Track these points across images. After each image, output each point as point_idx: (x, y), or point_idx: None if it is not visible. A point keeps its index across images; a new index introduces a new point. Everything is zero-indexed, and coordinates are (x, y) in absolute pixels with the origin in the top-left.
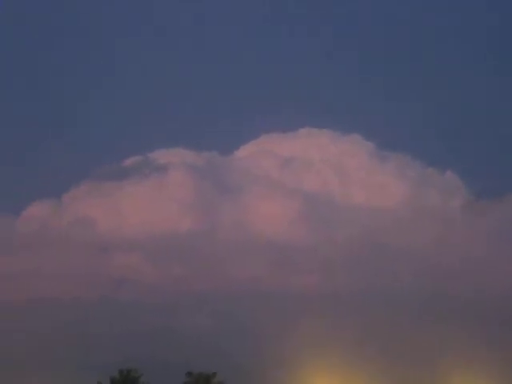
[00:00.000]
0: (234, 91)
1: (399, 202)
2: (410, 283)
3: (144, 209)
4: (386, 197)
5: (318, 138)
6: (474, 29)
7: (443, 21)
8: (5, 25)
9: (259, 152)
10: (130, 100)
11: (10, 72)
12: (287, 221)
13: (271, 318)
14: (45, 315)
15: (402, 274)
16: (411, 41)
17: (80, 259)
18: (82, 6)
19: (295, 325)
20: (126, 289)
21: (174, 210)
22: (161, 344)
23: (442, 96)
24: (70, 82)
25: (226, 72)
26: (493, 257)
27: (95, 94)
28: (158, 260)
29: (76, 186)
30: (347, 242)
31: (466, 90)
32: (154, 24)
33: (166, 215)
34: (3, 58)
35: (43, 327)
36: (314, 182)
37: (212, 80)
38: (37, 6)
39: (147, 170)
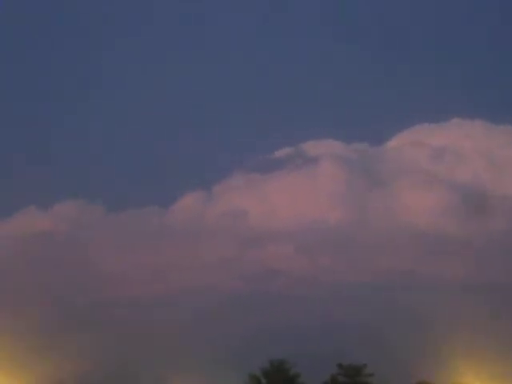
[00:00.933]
0: (385, 82)
1: None
2: None
3: (295, 200)
4: None
5: (470, 128)
6: None
7: None
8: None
9: (410, 143)
10: (280, 91)
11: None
12: (439, 212)
13: (425, 310)
14: (197, 306)
15: None
16: None
17: (231, 251)
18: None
19: (448, 316)
20: (278, 281)
21: (324, 201)
22: (312, 335)
23: None
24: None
25: (370, 64)
26: None
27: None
28: (310, 251)
29: (227, 178)
30: (500, 233)
31: None
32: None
33: (316, 206)
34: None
35: (195, 318)
36: (466, 173)
37: (361, 70)
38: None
39: (298, 161)
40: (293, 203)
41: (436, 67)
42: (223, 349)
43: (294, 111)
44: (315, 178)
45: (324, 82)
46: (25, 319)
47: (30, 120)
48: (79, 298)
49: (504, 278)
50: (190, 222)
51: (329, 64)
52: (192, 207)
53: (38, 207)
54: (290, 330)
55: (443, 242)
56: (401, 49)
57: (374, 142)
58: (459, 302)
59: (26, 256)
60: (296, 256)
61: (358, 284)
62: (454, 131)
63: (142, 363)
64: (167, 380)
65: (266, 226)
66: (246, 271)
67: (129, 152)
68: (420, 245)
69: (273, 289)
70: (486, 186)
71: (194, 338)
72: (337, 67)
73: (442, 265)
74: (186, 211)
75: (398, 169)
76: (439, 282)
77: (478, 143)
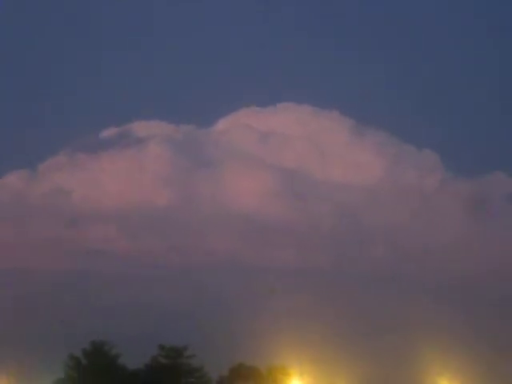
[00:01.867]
0: (213, 63)
1: (377, 179)
2: (386, 261)
3: (121, 181)
4: (363, 174)
5: (297, 113)
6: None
7: None
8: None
9: (237, 126)
10: (107, 71)
11: None
12: (265, 196)
13: (247, 292)
14: (17, 286)
15: (378, 252)
16: (388, 12)
17: (55, 230)
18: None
19: (270, 299)
20: (101, 260)
21: (151, 182)
22: (134, 316)
23: (421, 72)
24: (50, 57)
25: (204, 45)
26: (467, 235)
27: (72, 65)
28: (134, 232)
29: (53, 157)
30: (324, 218)
31: (447, 67)
32: None
33: (142, 188)
34: None
35: (15, 298)
36: (292, 158)
37: (190, 52)
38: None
39: (125, 142)
40: (119, 184)
41: (265, 53)
42: (42, 328)
43: (122, 90)
44: (142, 159)
45: (152, 63)
46: None
47: None
48: None
49: (325, 264)
50: (13, 200)
51: (157, 46)
52: (16, 186)
53: None
54: (112, 310)
55: (267, 225)
56: (233, 36)
57: (201, 124)
58: (281, 286)
59: None
60: (120, 236)
61: (181, 266)
62: (281, 115)
63: None
64: None
65: (91, 206)
66: (68, 251)
67: None
68: (245, 228)
69: (95, 269)
70: (312, 170)
71: (15, 320)
72: (166, 50)
73: (265, 248)
74: (9, 190)
75: (225, 152)
76: (262, 266)
77: (304, 128)
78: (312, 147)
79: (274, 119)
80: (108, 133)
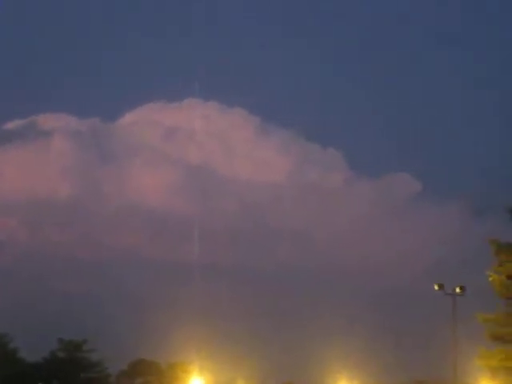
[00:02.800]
0: (121, 56)
1: (281, 178)
2: (289, 258)
3: (25, 173)
4: (268, 172)
5: (203, 109)
6: None
7: None
8: None
9: (143, 121)
10: (14, 61)
11: None
12: (170, 191)
13: (150, 287)
14: None
15: (282, 249)
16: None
17: None
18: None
19: (173, 294)
20: (1, 252)
21: (55, 175)
22: (34, 309)
23: (327, 72)
24: None
25: (113, 37)
26: (369, 234)
27: None
28: (37, 225)
29: None
30: (229, 214)
31: (356, 67)
32: None
33: (46, 181)
34: None
35: None
36: (198, 154)
37: (98, 43)
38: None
39: (30, 134)
40: (22, 176)
41: (174, 47)
42: None
43: (27, 82)
44: (46, 151)
45: (56, 53)
46: None
47: None
48: None
49: (230, 261)
50: None
51: (65, 37)
52: None
53: None
54: (12, 302)
55: (172, 221)
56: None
57: (106, 118)
58: (183, 281)
59: None
60: (21, 229)
61: (85, 260)
62: (186, 111)
63: None
64: None
65: None
66: None
67: None
68: (149, 223)
69: None
70: (217, 167)
71: None
72: (73, 40)
73: (169, 244)
74: None
75: (131, 146)
76: (166, 261)
77: (210, 124)
78: (218, 144)
79: (181, 115)
80: (12, 125)
